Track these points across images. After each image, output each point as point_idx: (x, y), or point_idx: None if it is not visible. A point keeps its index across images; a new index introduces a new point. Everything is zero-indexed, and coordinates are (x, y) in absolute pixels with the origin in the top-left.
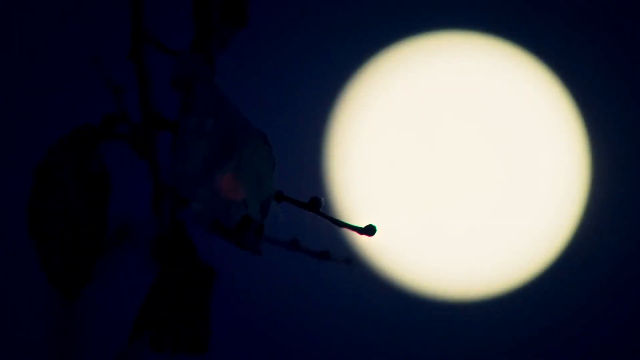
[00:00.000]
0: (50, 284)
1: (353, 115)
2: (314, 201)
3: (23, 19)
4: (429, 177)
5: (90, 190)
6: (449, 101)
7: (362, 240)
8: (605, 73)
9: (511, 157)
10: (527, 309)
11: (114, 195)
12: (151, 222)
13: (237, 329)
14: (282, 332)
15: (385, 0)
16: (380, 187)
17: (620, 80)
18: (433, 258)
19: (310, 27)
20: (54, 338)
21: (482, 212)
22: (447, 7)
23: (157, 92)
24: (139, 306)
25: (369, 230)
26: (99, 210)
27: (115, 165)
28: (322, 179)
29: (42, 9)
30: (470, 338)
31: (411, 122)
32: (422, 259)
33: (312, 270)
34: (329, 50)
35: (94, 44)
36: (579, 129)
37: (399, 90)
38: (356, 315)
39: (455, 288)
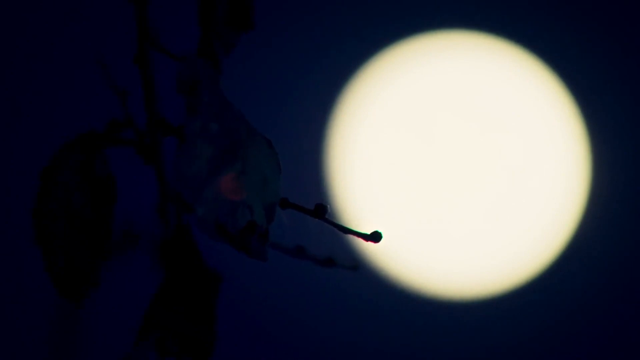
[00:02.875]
0: (55, 288)
1: (355, 117)
2: (319, 208)
3: (28, 22)
4: (431, 178)
5: (95, 195)
6: (450, 101)
7: (367, 246)
8: (605, 73)
9: (512, 156)
10: (527, 309)
11: (119, 200)
12: (156, 227)
13: (242, 334)
14: (288, 337)
15: (385, 0)
16: (384, 190)
17: (621, 80)
18: (436, 259)
19: (310, 27)
20: (58, 342)
21: (483, 212)
22: (447, 7)
23: (162, 97)
24: (145, 310)
25: (375, 237)
26: (104, 215)
27: (121, 169)
28: (326, 184)
29: (47, 12)
30: (471, 338)
31: (412, 122)
32: (424, 259)
33: (318, 275)
34: (329, 50)
35: (99, 48)
36: (580, 129)
37: (399, 90)
38: (361, 319)
39: (456, 288)
